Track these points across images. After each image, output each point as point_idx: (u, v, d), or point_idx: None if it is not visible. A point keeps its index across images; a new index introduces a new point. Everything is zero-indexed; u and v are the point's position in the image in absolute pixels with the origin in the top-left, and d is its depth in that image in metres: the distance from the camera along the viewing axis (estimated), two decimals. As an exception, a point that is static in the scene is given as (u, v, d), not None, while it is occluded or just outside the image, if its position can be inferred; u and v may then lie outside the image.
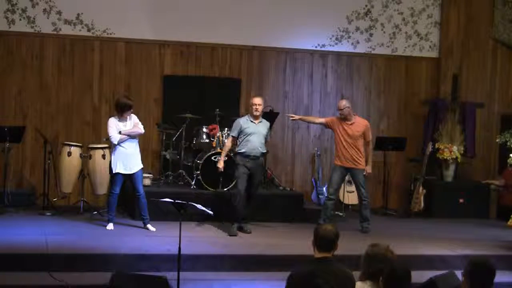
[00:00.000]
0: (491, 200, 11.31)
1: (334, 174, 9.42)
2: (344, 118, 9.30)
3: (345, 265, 4.69)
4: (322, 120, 9.79)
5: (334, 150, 9.83)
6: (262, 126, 9.04)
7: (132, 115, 8.75)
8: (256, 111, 8.95)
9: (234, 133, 9.05)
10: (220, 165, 9.05)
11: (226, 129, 10.26)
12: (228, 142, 9.17)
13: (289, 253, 7.85)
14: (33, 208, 9.75)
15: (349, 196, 10.76)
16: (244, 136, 8.93)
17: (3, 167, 9.67)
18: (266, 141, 9.17)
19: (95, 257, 7.30)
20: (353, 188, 10.25)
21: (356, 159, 9.27)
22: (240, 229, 8.90)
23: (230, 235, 8.66)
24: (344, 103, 9.36)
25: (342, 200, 10.73)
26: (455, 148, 11.15)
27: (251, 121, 8.99)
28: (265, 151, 9.18)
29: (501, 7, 11.87)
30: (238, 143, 9.07)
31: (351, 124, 9.28)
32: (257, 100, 9.03)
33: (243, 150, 8.90)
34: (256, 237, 8.68)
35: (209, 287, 6.91)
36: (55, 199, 9.87)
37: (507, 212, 9.40)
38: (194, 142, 10.37)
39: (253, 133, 8.92)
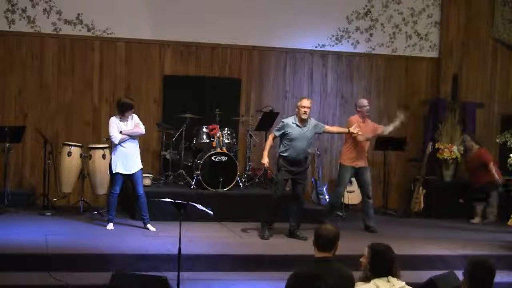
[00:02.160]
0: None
1: (345, 174, 9.42)
2: (363, 116, 9.41)
3: (345, 265, 4.69)
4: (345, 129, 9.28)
5: (334, 150, 9.83)
6: (308, 131, 8.64)
7: (133, 115, 8.76)
8: (304, 114, 8.54)
9: (278, 133, 8.66)
10: (265, 160, 8.63)
11: (226, 129, 10.27)
12: (269, 140, 8.76)
13: (289, 253, 7.85)
14: (33, 208, 9.76)
15: (349, 196, 10.76)
16: (288, 140, 8.59)
17: (3, 167, 9.68)
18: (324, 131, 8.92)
19: (95, 257, 7.30)
20: (353, 188, 10.27)
21: (366, 157, 9.41)
22: (293, 235, 8.74)
23: (261, 238, 8.58)
24: (367, 101, 9.53)
25: (342, 200, 10.72)
26: (455, 148, 11.15)
27: (297, 125, 8.59)
28: (309, 153, 8.92)
29: (501, 7, 11.87)
30: (279, 144, 8.76)
31: (364, 122, 9.36)
32: (306, 102, 8.56)
33: (286, 154, 8.61)
34: (256, 237, 8.67)
35: (209, 287, 6.91)
36: (55, 199, 9.87)
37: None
38: (194, 142, 10.36)
39: (297, 138, 8.57)
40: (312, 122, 8.78)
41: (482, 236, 9.48)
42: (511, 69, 12.07)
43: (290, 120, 8.69)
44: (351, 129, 8.91)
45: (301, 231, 8.73)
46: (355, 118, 9.45)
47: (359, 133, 8.98)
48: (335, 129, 9.34)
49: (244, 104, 11.23)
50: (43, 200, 9.73)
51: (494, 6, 11.88)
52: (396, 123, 9.57)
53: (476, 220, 10.63)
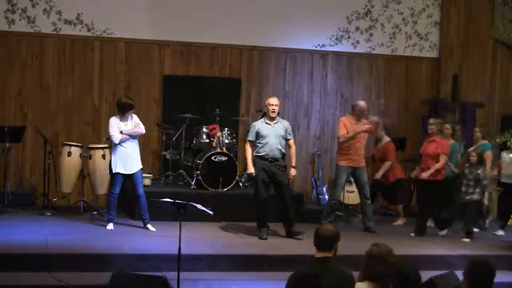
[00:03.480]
0: (491, 199, 11.27)
1: (342, 175, 9.40)
2: (358, 119, 9.41)
3: (345, 265, 4.69)
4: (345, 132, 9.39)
5: (334, 150, 9.82)
6: (278, 127, 8.76)
7: (134, 115, 8.76)
8: (272, 112, 8.69)
9: (250, 137, 8.80)
10: (250, 170, 8.70)
11: (226, 129, 10.28)
12: (248, 148, 8.84)
13: (289, 253, 7.85)
14: (33, 208, 9.76)
15: (349, 196, 10.75)
16: (261, 139, 8.70)
17: (3, 167, 9.68)
18: (288, 140, 8.83)
19: (95, 257, 7.30)
20: (353, 188, 10.24)
21: (363, 157, 9.41)
22: (291, 234, 8.72)
23: (259, 239, 8.59)
24: (365, 104, 9.57)
25: (342, 200, 10.71)
26: (455, 148, 11.13)
27: (266, 123, 8.76)
28: (284, 153, 8.85)
29: (501, 7, 11.88)
30: (256, 146, 8.80)
31: (358, 123, 9.39)
32: (273, 101, 8.76)
33: (261, 153, 8.69)
34: (256, 237, 8.67)
35: (209, 287, 6.91)
36: (55, 199, 9.87)
37: None
38: (194, 142, 10.37)
39: (269, 135, 8.68)
40: (285, 122, 8.90)
41: (482, 236, 9.48)
42: (511, 69, 12.07)
43: (259, 121, 8.88)
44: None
45: (298, 230, 8.70)
46: (346, 119, 9.46)
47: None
48: (291, 152, 8.90)
49: (244, 104, 11.23)
50: (43, 200, 9.73)
51: (494, 6, 11.88)
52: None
53: (400, 222, 10.28)
